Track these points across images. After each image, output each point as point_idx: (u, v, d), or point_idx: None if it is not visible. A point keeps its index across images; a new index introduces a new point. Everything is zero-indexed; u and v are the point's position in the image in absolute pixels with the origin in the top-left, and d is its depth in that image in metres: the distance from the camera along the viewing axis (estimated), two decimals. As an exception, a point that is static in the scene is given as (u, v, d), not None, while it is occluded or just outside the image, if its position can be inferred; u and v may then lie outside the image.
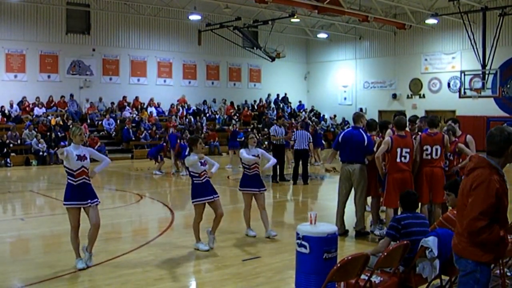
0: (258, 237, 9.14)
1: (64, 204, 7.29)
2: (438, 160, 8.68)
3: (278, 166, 16.68)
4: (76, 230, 7.32)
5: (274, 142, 16.80)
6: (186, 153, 8.69)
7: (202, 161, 8.26)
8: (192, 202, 8.33)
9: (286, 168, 17.80)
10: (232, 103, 32.22)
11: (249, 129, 27.69)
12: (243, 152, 9.18)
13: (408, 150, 8.55)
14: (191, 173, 8.31)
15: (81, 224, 7.36)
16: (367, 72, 33.77)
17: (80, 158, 7.21)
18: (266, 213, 9.32)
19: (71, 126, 7.73)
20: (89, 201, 7.25)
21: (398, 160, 8.50)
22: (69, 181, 7.25)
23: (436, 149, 8.65)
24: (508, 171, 4.74)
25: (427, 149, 8.67)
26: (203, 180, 8.25)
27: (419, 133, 9.27)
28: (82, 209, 7.30)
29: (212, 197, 8.29)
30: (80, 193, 7.21)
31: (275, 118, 32.18)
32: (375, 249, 5.83)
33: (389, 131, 9.30)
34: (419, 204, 8.53)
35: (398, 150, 8.50)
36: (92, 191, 7.36)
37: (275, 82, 34.64)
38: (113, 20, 28.44)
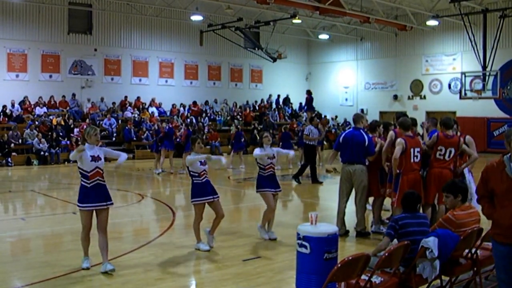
0: (259, 238, 9.14)
1: (79, 207, 7.16)
2: (449, 162, 8.68)
3: (310, 167, 16.71)
4: (88, 231, 7.22)
5: (308, 142, 16.78)
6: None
7: (202, 160, 8.26)
8: (191, 202, 8.31)
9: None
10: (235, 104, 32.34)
11: (253, 129, 27.75)
12: (256, 150, 9.04)
13: (419, 149, 8.63)
14: (191, 172, 8.30)
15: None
16: (368, 73, 33.79)
17: (94, 159, 7.08)
18: (273, 214, 9.21)
19: (85, 126, 7.56)
20: (103, 203, 7.15)
21: (412, 160, 8.55)
22: (82, 182, 7.11)
23: (450, 151, 8.64)
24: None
25: (441, 150, 8.66)
26: (203, 180, 8.22)
27: (419, 134, 9.27)
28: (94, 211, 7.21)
29: (212, 197, 8.25)
30: (94, 195, 7.08)
31: (277, 119, 32.36)
32: (376, 249, 5.84)
33: (391, 132, 9.30)
34: (424, 204, 8.62)
35: (412, 150, 8.54)
36: (106, 192, 7.24)
37: (276, 82, 34.66)
38: (115, 20, 28.47)
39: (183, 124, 22.57)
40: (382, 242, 5.80)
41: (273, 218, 9.22)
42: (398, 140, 8.65)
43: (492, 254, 4.89)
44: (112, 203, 7.33)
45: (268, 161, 9.00)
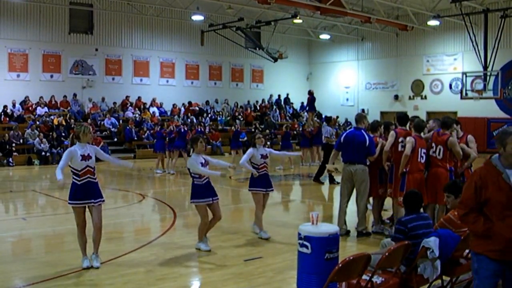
0: (260, 238, 9.14)
1: (69, 203, 7.30)
2: (442, 160, 8.72)
3: (320, 166, 16.77)
4: (82, 228, 7.32)
5: (326, 143, 16.82)
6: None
7: (203, 161, 8.26)
8: (191, 202, 8.31)
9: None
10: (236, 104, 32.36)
11: (254, 129, 27.69)
12: (245, 156, 9.17)
13: (425, 150, 8.74)
14: (192, 173, 8.31)
15: (87, 223, 7.37)
16: (369, 73, 33.78)
17: (85, 157, 7.18)
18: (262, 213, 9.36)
19: (79, 125, 7.61)
20: (92, 200, 7.23)
21: (418, 160, 8.61)
22: (73, 180, 7.23)
23: (440, 149, 8.70)
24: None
25: (433, 147, 8.81)
26: (204, 182, 8.20)
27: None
28: (87, 208, 7.31)
29: (211, 199, 8.24)
30: (84, 192, 7.19)
31: (278, 119, 32.34)
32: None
33: (392, 132, 9.32)
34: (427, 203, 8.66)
35: (419, 150, 8.61)
36: (97, 190, 7.33)
37: (277, 82, 34.65)
38: (116, 20, 28.48)
39: (194, 124, 23.36)
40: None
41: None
42: (408, 138, 8.74)
43: (477, 274, 4.34)
44: (101, 201, 7.37)
45: (262, 160, 9.09)
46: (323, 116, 33.00)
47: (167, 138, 19.20)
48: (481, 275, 4.29)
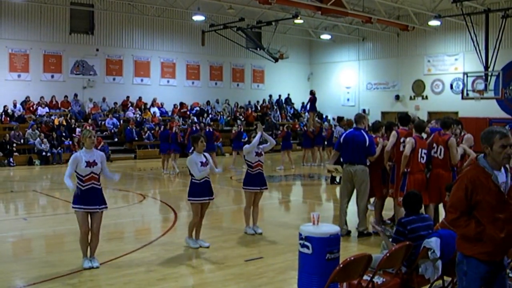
0: (260, 237, 9.16)
1: (72, 207, 7.28)
2: (443, 160, 8.73)
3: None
4: (85, 233, 7.29)
5: None
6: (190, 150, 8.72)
7: (204, 161, 8.28)
8: (188, 200, 8.44)
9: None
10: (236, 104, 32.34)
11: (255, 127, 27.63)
12: (246, 146, 9.32)
13: (426, 151, 8.76)
14: (190, 172, 8.34)
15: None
16: (370, 73, 33.74)
17: (89, 164, 7.17)
18: (258, 210, 9.53)
19: (82, 129, 7.72)
20: (97, 206, 7.23)
21: (419, 160, 8.63)
22: (77, 184, 7.20)
23: (441, 149, 8.73)
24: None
25: (434, 147, 8.86)
26: (201, 181, 8.27)
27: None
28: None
29: (207, 198, 8.39)
30: (88, 198, 7.16)
31: (279, 119, 32.33)
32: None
33: (393, 132, 9.31)
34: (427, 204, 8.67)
35: (420, 150, 8.62)
36: (100, 196, 7.32)
37: (278, 83, 34.63)
38: (117, 20, 28.46)
39: (203, 124, 23.92)
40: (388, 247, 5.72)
41: (257, 214, 9.53)
42: (408, 139, 8.75)
43: (466, 276, 4.30)
44: (106, 207, 7.40)
45: (256, 158, 9.19)
46: (324, 116, 33.19)
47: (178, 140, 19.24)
48: (469, 278, 4.26)
